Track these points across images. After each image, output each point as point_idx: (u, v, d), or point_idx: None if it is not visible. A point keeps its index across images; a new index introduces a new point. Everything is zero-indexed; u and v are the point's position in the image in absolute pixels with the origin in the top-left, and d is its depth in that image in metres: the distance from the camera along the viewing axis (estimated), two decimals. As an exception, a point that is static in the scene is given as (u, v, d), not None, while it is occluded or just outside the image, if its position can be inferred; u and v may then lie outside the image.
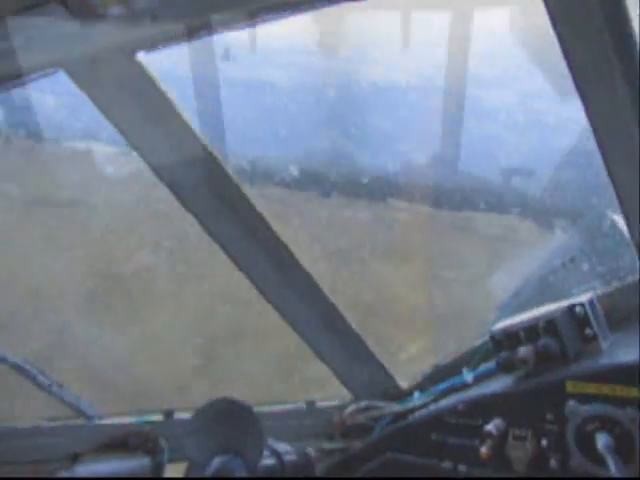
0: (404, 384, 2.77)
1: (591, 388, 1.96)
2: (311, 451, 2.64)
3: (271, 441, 2.18)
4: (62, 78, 1.89)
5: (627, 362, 1.96)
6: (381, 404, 2.71)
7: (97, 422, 2.68)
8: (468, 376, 2.45)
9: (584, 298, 2.09)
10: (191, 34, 1.75)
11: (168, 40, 1.79)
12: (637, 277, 2.21)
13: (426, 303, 6.62)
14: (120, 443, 2.56)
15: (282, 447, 2.21)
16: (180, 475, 2.05)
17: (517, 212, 7.35)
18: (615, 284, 2.29)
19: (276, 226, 2.35)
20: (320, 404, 2.86)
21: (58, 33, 1.57)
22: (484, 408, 2.21)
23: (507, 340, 2.18)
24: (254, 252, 2.39)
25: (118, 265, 7.18)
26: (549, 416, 2.05)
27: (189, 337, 6.55)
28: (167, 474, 2.49)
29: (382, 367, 2.75)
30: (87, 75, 1.84)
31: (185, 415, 2.69)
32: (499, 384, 2.24)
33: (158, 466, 2.54)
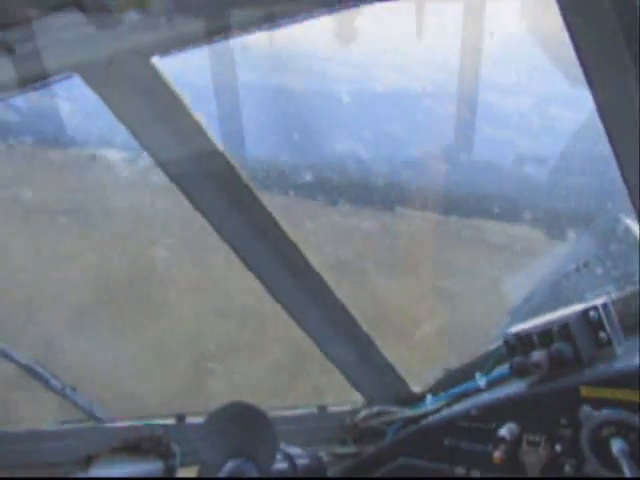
0: (416, 388, 2.76)
1: (606, 393, 1.95)
2: (323, 455, 2.64)
3: (284, 445, 2.18)
4: (73, 84, 1.91)
5: None
6: (393, 409, 2.70)
7: (110, 425, 2.69)
8: (481, 381, 2.44)
9: (598, 302, 2.07)
10: (207, 37, 1.76)
11: (183, 43, 1.80)
12: (651, 281, 2.20)
13: (426, 318, 6.56)
14: (133, 446, 2.57)
15: (294, 451, 2.21)
16: (192, 480, 2.05)
17: (529, 220, 7.29)
18: (629, 289, 2.28)
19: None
20: (332, 409, 2.86)
21: (74, 37, 1.59)
22: (498, 413, 2.20)
23: (521, 345, 2.17)
24: (265, 254, 2.39)
25: (115, 276, 7.15)
26: (563, 421, 2.04)
27: (184, 351, 6.52)
28: (179, 478, 2.51)
29: (394, 371, 2.75)
30: (102, 79, 1.85)
31: (197, 419, 2.70)
32: (513, 389, 2.23)
33: (170, 470, 2.55)
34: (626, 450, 1.84)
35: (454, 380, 2.59)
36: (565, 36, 1.61)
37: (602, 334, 2.05)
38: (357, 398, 2.84)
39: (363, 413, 2.75)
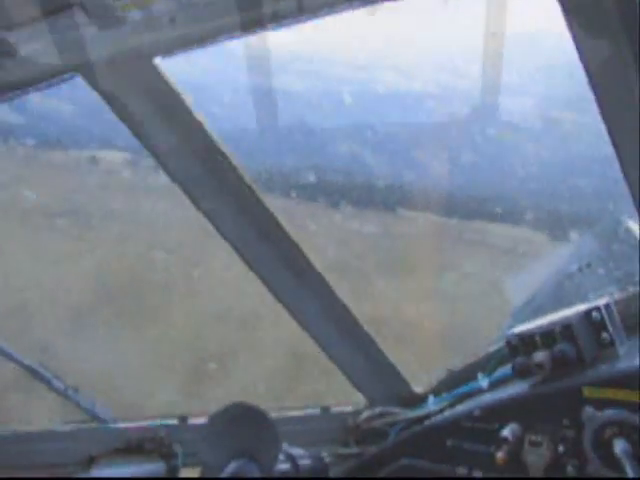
0: (419, 389, 2.76)
1: (608, 393, 1.94)
2: (326, 456, 2.64)
3: (286, 446, 2.18)
4: (76, 85, 1.91)
5: None
6: (395, 410, 2.70)
7: (112, 426, 2.69)
8: (483, 381, 2.44)
9: (600, 303, 2.07)
10: (210, 39, 1.76)
11: (186, 45, 1.80)
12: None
13: (425, 321, 6.52)
14: (135, 447, 2.58)
15: (297, 452, 2.21)
16: (194, 480, 2.05)
17: (531, 222, 7.26)
18: (631, 289, 2.28)
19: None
20: (335, 410, 2.86)
21: (77, 37, 1.59)
22: (500, 413, 2.20)
23: (523, 345, 2.17)
24: (267, 255, 2.40)
25: (109, 278, 7.12)
26: (566, 422, 2.03)
27: (181, 355, 6.48)
28: (181, 479, 2.51)
29: (397, 372, 2.75)
30: (104, 79, 1.86)
31: (199, 420, 2.70)
32: (515, 389, 2.23)
33: (172, 470, 2.56)
34: (629, 450, 1.84)
35: (456, 381, 2.59)
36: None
37: (604, 335, 2.05)
38: (359, 399, 2.84)
39: (365, 414, 2.75)
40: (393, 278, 7.33)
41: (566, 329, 2.06)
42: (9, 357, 2.60)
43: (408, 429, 2.61)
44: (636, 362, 1.98)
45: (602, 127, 1.83)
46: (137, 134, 2.05)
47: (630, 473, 1.78)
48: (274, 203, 2.31)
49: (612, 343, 2.05)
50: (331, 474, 2.66)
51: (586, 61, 1.63)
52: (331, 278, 2.51)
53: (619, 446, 1.86)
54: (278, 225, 2.34)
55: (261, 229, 2.33)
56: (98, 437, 2.64)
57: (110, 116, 2.00)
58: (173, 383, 6.11)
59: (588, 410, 1.96)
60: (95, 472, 2.52)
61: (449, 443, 2.35)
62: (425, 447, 2.44)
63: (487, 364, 2.48)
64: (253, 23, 1.73)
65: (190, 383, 6.11)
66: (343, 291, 2.56)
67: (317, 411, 2.85)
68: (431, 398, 2.64)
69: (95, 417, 2.69)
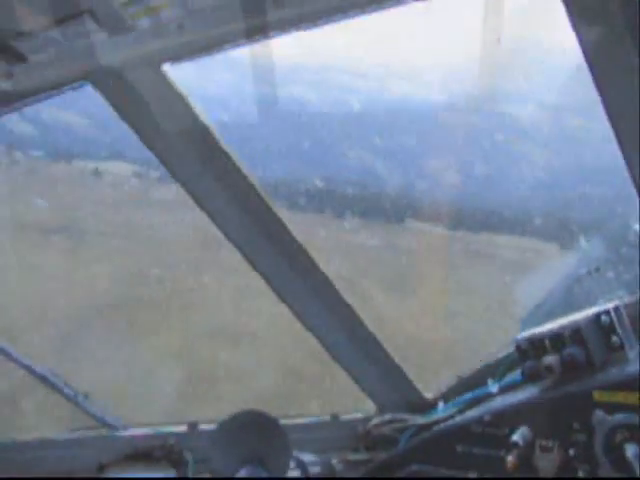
0: (429, 395, 2.76)
1: (618, 397, 1.94)
2: (336, 463, 2.64)
3: (296, 452, 2.19)
4: (86, 95, 1.93)
5: None
6: (405, 416, 2.70)
7: (122, 433, 2.69)
8: (493, 387, 2.44)
9: (610, 306, 2.07)
10: (218, 46, 1.77)
11: (195, 52, 1.82)
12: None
13: (426, 340, 6.46)
14: (145, 454, 2.58)
15: (307, 458, 2.21)
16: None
17: (541, 233, 7.20)
18: (641, 293, 2.27)
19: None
20: (344, 417, 2.86)
21: (87, 45, 1.61)
22: (510, 418, 2.19)
23: (533, 349, 2.16)
24: (277, 261, 2.41)
25: (101, 297, 7.06)
26: (576, 426, 2.02)
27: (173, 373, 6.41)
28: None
29: (407, 379, 2.75)
30: (113, 86, 1.88)
31: (209, 427, 2.70)
32: (525, 394, 2.22)
33: (182, 477, 2.55)
34: (640, 454, 1.83)
35: (466, 387, 2.58)
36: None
37: (614, 338, 2.04)
38: (369, 407, 2.83)
39: (375, 420, 2.74)
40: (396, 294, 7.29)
41: (576, 333, 2.06)
42: (20, 364, 2.61)
43: (418, 435, 2.60)
44: None
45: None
46: (145, 142, 2.07)
47: None
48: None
49: (622, 347, 2.04)
50: (341, 480, 2.66)
51: (591, 62, 1.63)
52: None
53: (630, 450, 1.85)
54: (286, 230, 2.35)
55: (270, 234, 2.34)
56: (108, 444, 2.64)
57: (120, 127, 2.02)
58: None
59: (598, 414, 1.95)
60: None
61: (459, 449, 2.34)
62: (435, 453, 2.43)
63: (496, 369, 2.47)
64: (260, 30, 1.74)
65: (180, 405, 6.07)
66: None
67: (327, 418, 2.84)
68: (441, 404, 2.64)
69: (105, 424, 2.69)
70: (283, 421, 2.13)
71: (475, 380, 2.56)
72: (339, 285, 2.52)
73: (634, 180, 1.91)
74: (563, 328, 2.09)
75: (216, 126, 2.10)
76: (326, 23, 1.80)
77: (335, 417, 2.84)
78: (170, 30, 1.61)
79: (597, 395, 1.98)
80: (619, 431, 1.91)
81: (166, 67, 1.89)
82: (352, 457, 2.75)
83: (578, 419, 2.02)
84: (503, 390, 2.40)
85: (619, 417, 1.91)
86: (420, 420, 2.66)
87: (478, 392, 2.49)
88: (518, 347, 2.21)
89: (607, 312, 2.05)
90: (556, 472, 2.04)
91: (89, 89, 1.91)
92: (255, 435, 1.85)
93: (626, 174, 1.91)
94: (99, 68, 1.80)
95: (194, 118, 2.03)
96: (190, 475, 2.56)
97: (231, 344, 6.58)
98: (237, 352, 6.51)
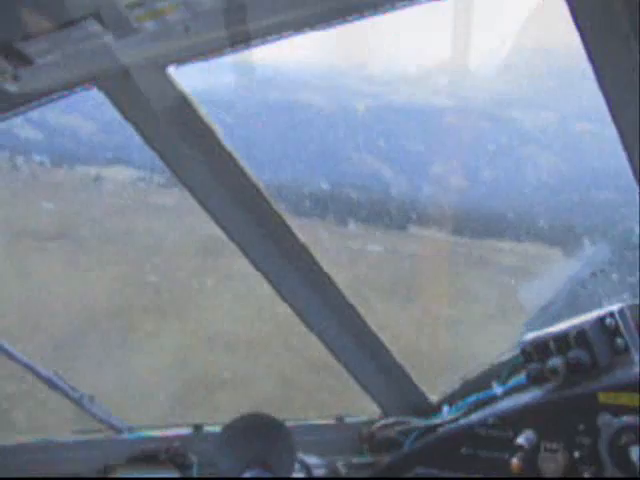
0: (433, 398, 2.76)
1: (624, 399, 1.93)
2: (341, 465, 2.64)
3: (301, 455, 2.19)
4: (93, 99, 1.94)
5: None
6: (410, 419, 2.70)
7: (127, 436, 2.70)
8: (498, 389, 2.44)
9: (614, 308, 2.07)
10: (225, 48, 1.78)
11: (201, 55, 1.82)
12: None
13: (431, 345, 6.42)
14: (150, 456, 2.58)
15: (312, 461, 2.22)
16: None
17: (546, 238, 7.17)
18: (645, 295, 2.27)
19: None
20: (349, 419, 2.85)
21: (93, 48, 1.61)
22: (515, 420, 2.19)
23: (537, 352, 2.16)
24: (284, 266, 2.41)
25: (98, 305, 7.02)
26: (581, 428, 2.02)
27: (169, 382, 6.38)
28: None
29: (411, 382, 2.75)
30: (119, 89, 1.88)
31: (214, 429, 2.70)
32: (530, 396, 2.22)
33: (187, 479, 2.56)
34: (646, 457, 1.83)
35: (470, 390, 2.58)
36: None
37: (619, 340, 2.04)
38: (374, 410, 2.83)
39: (380, 423, 2.74)
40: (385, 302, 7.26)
41: (580, 335, 2.05)
42: (26, 367, 2.61)
43: (423, 438, 2.60)
44: None
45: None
46: (151, 144, 2.07)
47: None
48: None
49: (627, 349, 2.03)
50: (346, 483, 2.66)
51: (595, 63, 1.63)
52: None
53: (635, 452, 1.85)
54: (292, 235, 2.36)
55: (276, 240, 2.35)
56: (113, 447, 2.64)
57: (123, 131, 2.03)
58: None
59: (604, 416, 1.95)
60: (110, 482, 2.52)
61: (464, 451, 2.34)
62: (440, 456, 2.43)
63: (501, 372, 2.47)
64: (266, 33, 1.75)
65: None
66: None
67: (332, 420, 2.85)
68: (445, 407, 2.64)
69: (110, 426, 2.69)
70: (288, 424, 2.14)
71: (480, 383, 2.56)
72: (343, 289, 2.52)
73: (637, 181, 1.91)
74: (568, 331, 2.09)
75: (222, 129, 2.11)
76: (332, 26, 1.81)
77: (340, 420, 2.84)
78: (176, 33, 1.62)
79: (602, 397, 1.97)
80: (624, 433, 1.90)
81: (172, 70, 1.90)
82: (357, 460, 2.75)
83: (583, 421, 2.02)
84: (508, 393, 2.40)
85: (624, 419, 1.91)
86: (425, 423, 2.65)
87: (483, 395, 2.49)
88: (523, 350, 2.21)
89: (612, 314, 2.04)
90: (561, 474, 2.04)
91: (94, 92, 1.92)
92: (260, 437, 1.85)
93: (630, 178, 1.92)
94: (105, 71, 1.81)
95: (200, 121, 2.04)
96: (195, 477, 2.56)
97: (232, 351, 6.59)
98: (245, 359, 6.52)
